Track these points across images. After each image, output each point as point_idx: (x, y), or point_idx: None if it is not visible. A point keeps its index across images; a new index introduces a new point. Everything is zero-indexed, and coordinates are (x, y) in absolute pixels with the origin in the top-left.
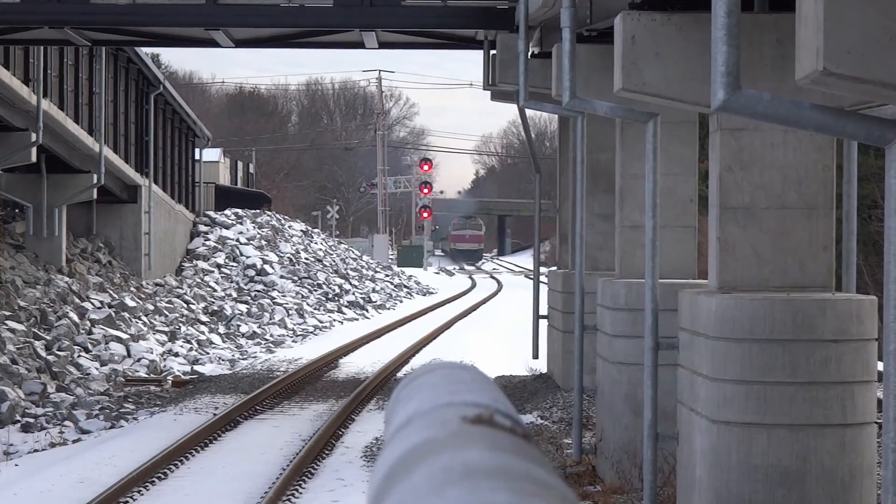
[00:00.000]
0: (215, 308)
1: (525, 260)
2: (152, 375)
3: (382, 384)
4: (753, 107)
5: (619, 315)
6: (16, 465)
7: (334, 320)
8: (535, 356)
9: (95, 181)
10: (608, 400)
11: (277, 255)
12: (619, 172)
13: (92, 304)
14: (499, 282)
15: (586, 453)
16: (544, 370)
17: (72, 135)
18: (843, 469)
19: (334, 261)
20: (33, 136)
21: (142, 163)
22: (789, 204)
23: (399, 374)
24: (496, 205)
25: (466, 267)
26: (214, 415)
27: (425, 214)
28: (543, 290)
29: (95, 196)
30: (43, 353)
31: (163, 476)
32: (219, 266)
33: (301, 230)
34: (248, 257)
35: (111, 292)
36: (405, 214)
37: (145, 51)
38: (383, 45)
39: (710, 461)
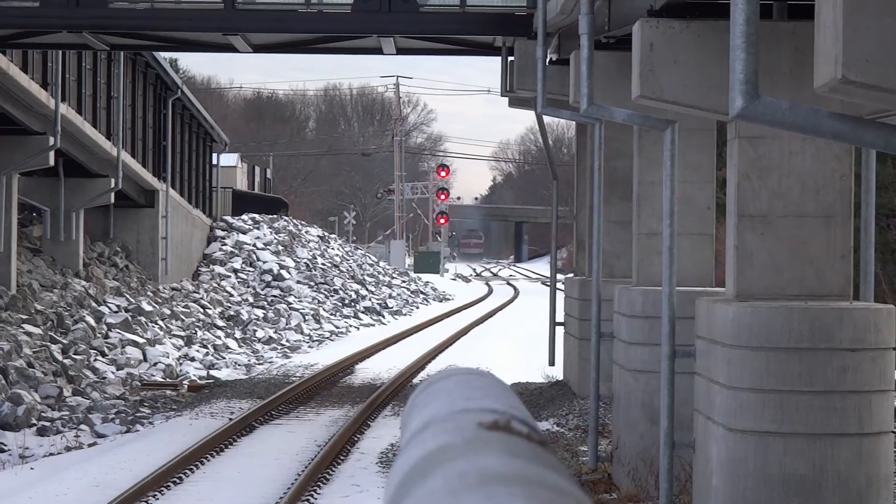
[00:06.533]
0: (232, 313)
1: (542, 267)
2: (168, 380)
3: (398, 390)
4: (772, 115)
5: (636, 322)
6: (31, 468)
7: (350, 326)
8: (552, 363)
9: (113, 185)
10: (624, 407)
11: (294, 261)
12: (637, 180)
13: (108, 308)
14: (515, 288)
15: (602, 461)
16: (560, 377)
17: (89, 139)
18: (860, 478)
19: (351, 266)
20: (51, 140)
21: (159, 167)
22: (807, 212)
23: (415, 380)
24: (513, 211)
25: (472, 265)
26: (230, 419)
27: (442, 220)
28: (560, 297)
29: (113, 200)
30: (59, 357)
31: (178, 480)
32: (235, 271)
33: (318, 235)
34: (264, 262)
35: (128, 296)
36: (421, 221)
37: (163, 55)
38: (401, 51)
39: (727, 469)
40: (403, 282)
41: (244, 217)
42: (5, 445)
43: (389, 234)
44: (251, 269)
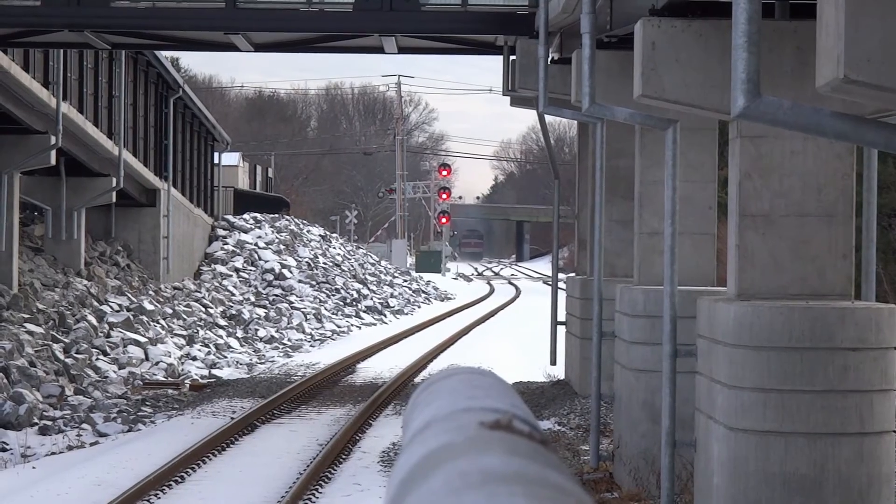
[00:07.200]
0: (233, 312)
1: (543, 266)
2: (170, 379)
3: (400, 389)
4: (773, 114)
5: (638, 322)
6: (33, 467)
7: (352, 325)
8: (553, 362)
9: (114, 185)
10: (626, 407)
11: (296, 260)
12: (638, 179)
13: (110, 307)
14: (517, 288)
15: (604, 460)
16: (562, 376)
17: (91, 138)
18: (861, 478)
19: (352, 265)
20: (53, 139)
21: (161, 166)
22: (809, 212)
23: (417, 380)
24: (515, 211)
25: (474, 264)
26: (232, 419)
27: (444, 220)
28: (562, 296)
29: (114, 199)
30: (61, 356)
31: (180, 480)
32: (237, 270)
33: (319, 235)
34: (266, 261)
35: (129, 295)
36: (422, 221)
37: (165, 54)
38: (403, 49)
39: (728, 469)
40: (405, 281)
41: (246, 216)
42: (7, 444)
43: (388, 227)
44: (253, 268)
